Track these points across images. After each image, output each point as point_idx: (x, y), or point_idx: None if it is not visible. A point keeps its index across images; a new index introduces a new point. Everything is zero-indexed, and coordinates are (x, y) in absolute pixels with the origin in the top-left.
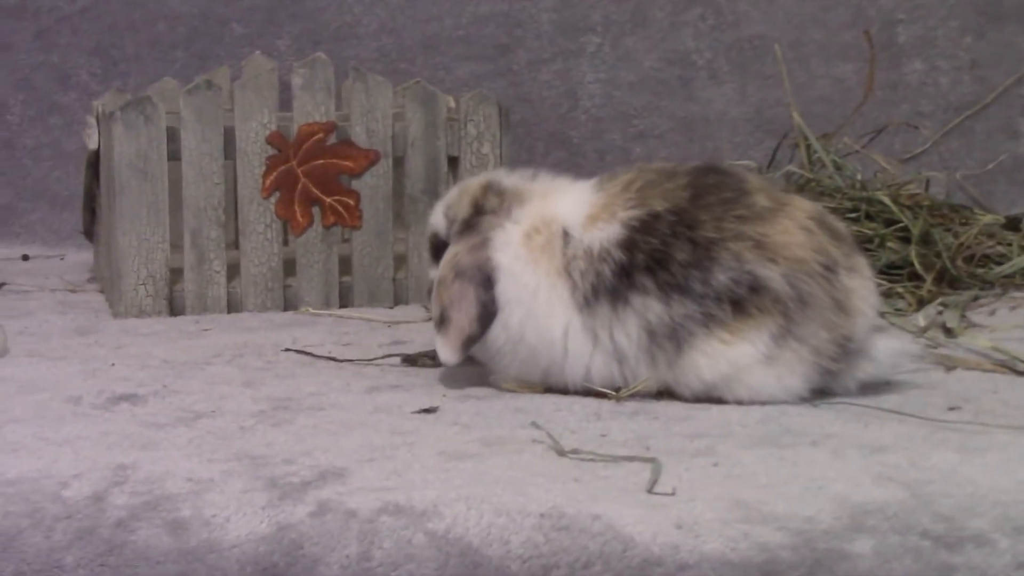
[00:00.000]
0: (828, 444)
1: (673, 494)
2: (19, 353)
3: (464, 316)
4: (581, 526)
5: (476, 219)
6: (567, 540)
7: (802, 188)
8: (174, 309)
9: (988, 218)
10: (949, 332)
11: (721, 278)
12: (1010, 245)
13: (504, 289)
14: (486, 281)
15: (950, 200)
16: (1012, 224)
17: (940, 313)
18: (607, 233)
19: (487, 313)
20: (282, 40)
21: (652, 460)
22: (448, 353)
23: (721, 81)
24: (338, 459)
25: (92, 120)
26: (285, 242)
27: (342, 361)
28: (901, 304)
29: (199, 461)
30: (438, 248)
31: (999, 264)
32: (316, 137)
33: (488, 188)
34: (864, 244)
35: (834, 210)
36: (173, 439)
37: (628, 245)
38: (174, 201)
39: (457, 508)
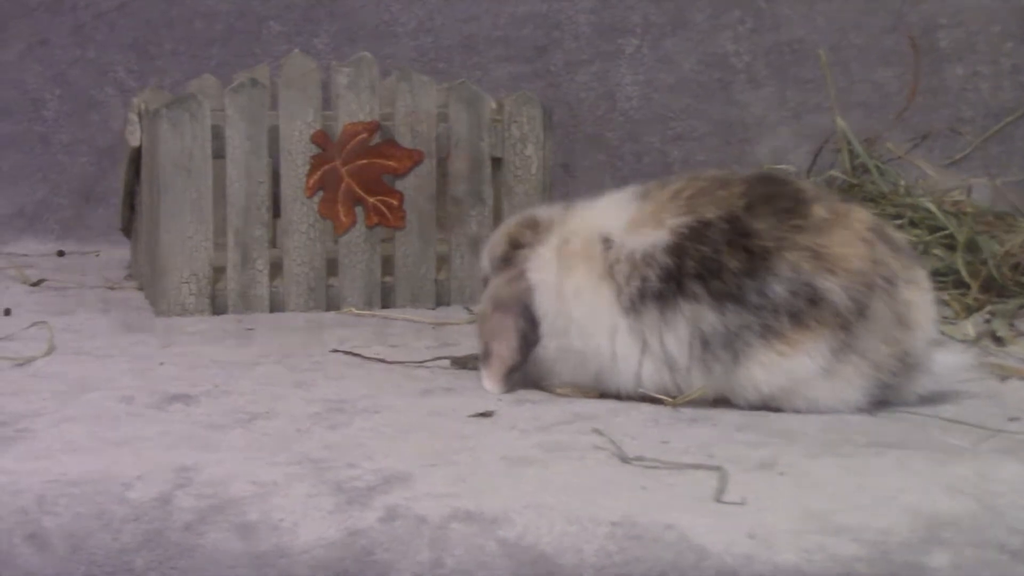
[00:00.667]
0: (892, 454)
1: (743, 504)
2: (66, 351)
3: (505, 346)
4: (654, 535)
5: (512, 253)
6: (640, 550)
7: (844, 194)
8: (216, 308)
9: None
10: (999, 341)
11: (778, 289)
12: None
13: (542, 302)
14: (524, 311)
15: (993, 207)
16: None
17: (988, 322)
18: (652, 239)
19: (527, 342)
20: (319, 39)
21: (718, 468)
22: (492, 384)
23: (760, 85)
24: (400, 463)
25: (134, 117)
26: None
27: (392, 363)
28: (947, 312)
29: (260, 464)
30: (481, 282)
31: None
32: (360, 137)
33: (523, 224)
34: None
35: (879, 216)
36: (231, 441)
37: (676, 251)
38: (216, 199)
39: (528, 515)
